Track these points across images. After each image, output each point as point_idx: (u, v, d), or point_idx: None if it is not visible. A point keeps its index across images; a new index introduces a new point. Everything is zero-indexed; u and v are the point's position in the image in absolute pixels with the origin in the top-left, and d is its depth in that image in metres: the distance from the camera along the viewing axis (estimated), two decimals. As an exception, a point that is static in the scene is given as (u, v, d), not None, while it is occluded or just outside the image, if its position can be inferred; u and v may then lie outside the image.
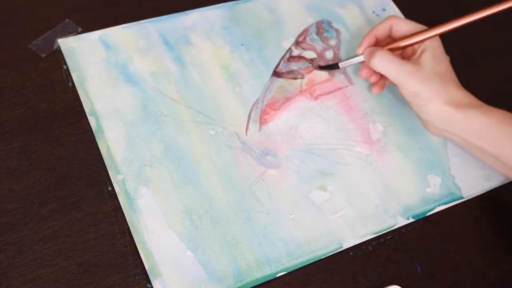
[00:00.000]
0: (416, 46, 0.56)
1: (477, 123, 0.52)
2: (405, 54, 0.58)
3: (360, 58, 0.58)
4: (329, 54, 0.62)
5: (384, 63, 0.54)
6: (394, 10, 0.67)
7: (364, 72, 0.59)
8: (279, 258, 0.49)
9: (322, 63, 0.61)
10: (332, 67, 0.60)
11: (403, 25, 0.57)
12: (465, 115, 0.52)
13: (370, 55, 0.55)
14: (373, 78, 0.59)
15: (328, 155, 0.55)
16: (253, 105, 0.57)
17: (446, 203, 0.55)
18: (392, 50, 0.56)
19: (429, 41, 0.55)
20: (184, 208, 0.50)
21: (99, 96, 0.55)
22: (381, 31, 0.58)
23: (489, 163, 0.55)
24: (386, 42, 0.58)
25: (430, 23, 0.66)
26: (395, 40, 0.57)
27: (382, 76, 0.59)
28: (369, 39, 0.58)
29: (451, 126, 0.53)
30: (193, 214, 0.50)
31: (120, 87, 0.56)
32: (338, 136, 0.57)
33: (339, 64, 0.59)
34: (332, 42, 0.63)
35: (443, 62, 0.55)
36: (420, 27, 0.57)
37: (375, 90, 0.60)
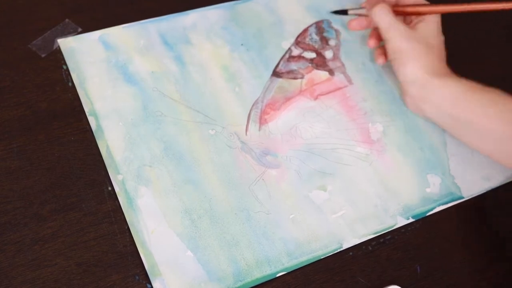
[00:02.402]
0: (415, 17, 0.58)
1: (450, 89, 0.53)
2: (404, 21, 0.59)
3: (357, 10, 0.61)
4: (329, 54, 0.62)
5: (381, 14, 0.56)
6: (394, 10, 0.67)
7: (354, 23, 0.61)
8: (279, 258, 0.49)
9: (321, 63, 0.61)
10: (342, 12, 0.62)
11: None
12: (439, 81, 0.54)
13: (372, 4, 0.58)
14: (371, 42, 0.61)
15: (328, 155, 0.55)
16: (253, 105, 0.57)
17: (446, 203, 0.55)
18: (396, 12, 0.58)
19: (430, 16, 0.57)
20: (184, 208, 0.50)
21: (99, 96, 0.55)
22: None
23: (460, 135, 0.55)
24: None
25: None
26: (401, 5, 0.59)
27: (381, 41, 0.60)
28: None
29: (424, 91, 0.55)
30: (193, 214, 0.50)
31: (120, 87, 0.56)
32: (338, 136, 0.57)
33: (348, 10, 0.61)
34: (332, 42, 0.63)
35: (435, 36, 0.57)
36: None
37: (372, 43, 0.61)
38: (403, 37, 0.55)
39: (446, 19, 0.58)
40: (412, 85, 0.56)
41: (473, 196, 0.56)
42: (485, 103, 0.52)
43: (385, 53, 0.60)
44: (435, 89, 0.54)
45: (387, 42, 0.57)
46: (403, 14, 0.59)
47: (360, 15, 0.61)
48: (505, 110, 0.51)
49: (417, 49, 0.55)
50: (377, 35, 0.61)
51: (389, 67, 0.61)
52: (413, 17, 0.58)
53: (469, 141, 0.55)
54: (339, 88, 0.60)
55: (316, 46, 0.63)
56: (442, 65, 0.56)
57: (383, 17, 0.56)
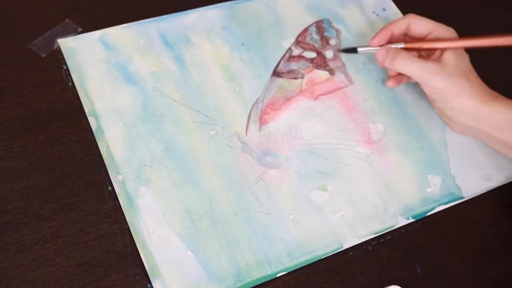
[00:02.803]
0: None
1: (503, 116, 0.52)
2: (422, 53, 0.59)
3: (368, 49, 0.59)
4: (329, 54, 0.62)
5: (407, 64, 0.55)
6: (394, 10, 0.67)
7: (391, 83, 0.60)
8: (279, 258, 0.49)
9: (321, 63, 0.61)
10: (350, 50, 0.61)
11: (421, 24, 0.57)
12: (491, 109, 0.53)
13: (391, 59, 0.56)
14: (391, 83, 0.60)
15: (328, 155, 0.55)
16: (253, 105, 0.57)
17: (447, 203, 0.55)
18: (410, 49, 0.57)
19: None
20: (184, 208, 0.50)
21: (99, 96, 0.55)
22: (399, 27, 0.58)
23: None
24: (401, 39, 0.59)
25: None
26: (411, 38, 0.58)
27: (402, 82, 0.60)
28: (385, 33, 0.58)
29: (477, 121, 0.54)
30: (193, 214, 0.50)
31: (120, 87, 0.56)
32: (338, 136, 0.57)
33: (358, 49, 0.60)
34: (333, 42, 0.63)
35: (464, 59, 0.55)
36: (439, 26, 0.57)
37: (391, 83, 0.60)
38: (438, 77, 0.54)
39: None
40: (462, 117, 0.55)
41: (474, 196, 0.56)
42: None
43: (399, 79, 0.60)
44: (487, 117, 0.53)
45: (424, 86, 0.55)
46: (418, 50, 0.58)
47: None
48: None
49: (459, 83, 0.53)
50: (399, 78, 0.60)
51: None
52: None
53: None
54: (340, 88, 0.60)
55: (317, 46, 0.63)
56: (484, 88, 0.54)
57: (409, 66, 0.55)
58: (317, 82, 0.60)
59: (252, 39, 0.61)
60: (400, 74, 0.60)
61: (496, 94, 0.54)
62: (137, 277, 0.47)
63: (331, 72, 0.61)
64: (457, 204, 0.55)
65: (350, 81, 0.61)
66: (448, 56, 0.54)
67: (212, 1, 0.63)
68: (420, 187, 0.55)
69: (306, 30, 0.64)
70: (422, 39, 0.58)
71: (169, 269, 0.47)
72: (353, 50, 0.60)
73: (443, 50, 0.55)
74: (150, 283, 0.46)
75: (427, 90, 0.55)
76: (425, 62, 0.54)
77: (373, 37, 0.59)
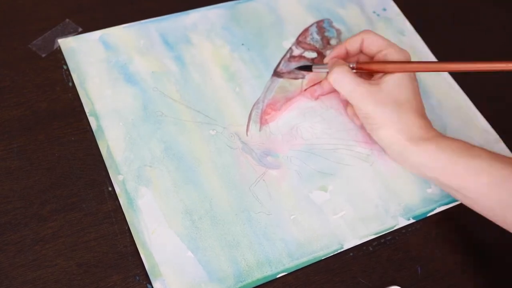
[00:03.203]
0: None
1: (433, 157, 0.49)
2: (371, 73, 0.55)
3: (320, 67, 0.57)
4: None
5: (340, 79, 0.52)
6: (394, 10, 0.67)
7: (325, 84, 0.57)
8: (280, 258, 0.49)
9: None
10: (306, 68, 0.59)
11: (374, 41, 0.54)
12: (418, 148, 0.50)
13: (330, 69, 0.53)
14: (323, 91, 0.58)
15: (328, 155, 0.55)
16: (254, 105, 0.57)
17: (447, 203, 0.55)
18: (361, 69, 0.54)
19: (395, 59, 0.52)
20: (185, 208, 0.50)
21: (99, 96, 0.55)
22: (352, 44, 0.55)
23: (449, 193, 0.52)
24: (356, 59, 0.56)
25: (430, 23, 0.66)
26: (366, 56, 0.56)
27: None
28: (339, 50, 0.56)
29: (404, 157, 0.51)
30: (194, 215, 0.50)
31: (120, 87, 0.56)
32: (338, 136, 0.57)
33: (313, 67, 0.58)
34: (333, 42, 0.63)
35: (407, 88, 0.51)
36: (391, 46, 0.53)
37: (325, 86, 0.57)
38: (369, 101, 0.50)
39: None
40: (389, 149, 0.53)
41: (474, 196, 0.56)
42: (471, 172, 0.48)
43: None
44: (413, 156, 0.50)
45: (354, 107, 0.53)
46: (368, 71, 0.54)
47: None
48: (495, 179, 0.47)
49: (387, 113, 0.50)
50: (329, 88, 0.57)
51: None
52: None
53: (464, 202, 0.51)
54: (340, 88, 0.60)
55: (317, 46, 0.63)
56: (418, 124, 0.51)
57: (341, 83, 0.51)
58: (318, 82, 0.60)
59: (252, 39, 0.61)
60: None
61: (431, 132, 0.51)
62: (137, 278, 0.47)
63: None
64: (458, 205, 0.55)
65: (351, 81, 0.61)
66: (386, 81, 0.51)
67: (212, 1, 0.63)
68: (421, 188, 0.55)
69: (306, 30, 0.64)
70: (372, 57, 0.55)
71: (169, 269, 0.47)
72: (308, 68, 0.59)
73: (389, 73, 0.52)
74: (150, 283, 0.46)
75: (356, 111, 0.53)
76: (358, 83, 0.51)
77: (327, 56, 0.57)
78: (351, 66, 0.54)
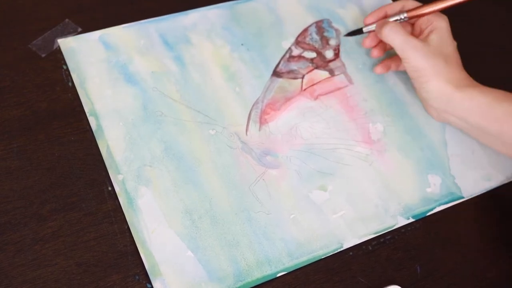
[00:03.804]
0: (424, 26, 0.58)
1: (476, 101, 0.52)
2: (414, 33, 0.59)
3: (372, 27, 0.60)
4: (329, 54, 0.62)
5: (393, 34, 0.56)
6: (394, 10, 0.67)
7: (368, 41, 0.61)
8: (280, 258, 0.49)
9: (321, 63, 0.61)
10: (356, 32, 0.62)
11: (414, 4, 0.59)
12: (464, 94, 0.53)
13: (381, 26, 0.57)
14: (375, 52, 0.61)
15: (328, 155, 0.55)
16: (253, 105, 0.57)
17: (446, 203, 0.55)
18: (413, 17, 0.58)
19: (438, 23, 0.57)
20: (185, 208, 0.50)
21: (99, 96, 0.55)
22: (393, 9, 0.60)
23: (489, 143, 0.55)
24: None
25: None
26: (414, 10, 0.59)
27: (386, 51, 0.61)
28: (379, 13, 0.60)
29: (450, 105, 0.54)
30: (194, 214, 0.50)
31: (120, 87, 0.56)
32: (338, 136, 0.57)
33: (364, 28, 0.61)
34: (332, 42, 0.63)
35: (449, 44, 0.56)
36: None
37: (379, 69, 0.61)
38: (420, 55, 0.54)
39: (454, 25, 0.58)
40: (437, 100, 0.55)
41: (474, 196, 0.56)
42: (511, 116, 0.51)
43: (387, 65, 0.61)
44: (460, 102, 0.53)
45: (404, 61, 0.56)
46: (420, 17, 0.58)
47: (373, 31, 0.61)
48: None
49: (437, 65, 0.54)
50: (383, 46, 0.61)
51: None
52: (423, 26, 0.58)
53: (499, 149, 0.54)
54: (340, 88, 0.60)
55: (317, 46, 0.63)
56: (462, 75, 0.55)
57: (394, 36, 0.56)
58: (317, 82, 0.60)
59: (252, 39, 0.62)
60: (390, 59, 0.61)
61: (474, 82, 0.55)
62: (137, 277, 0.47)
63: (331, 72, 0.61)
64: (457, 204, 0.55)
65: (350, 81, 0.61)
66: (432, 37, 0.56)
67: (212, 1, 0.63)
68: (420, 187, 0.55)
69: (306, 30, 0.64)
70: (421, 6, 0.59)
71: (169, 268, 0.47)
72: (358, 32, 0.61)
73: (430, 24, 0.57)
74: (149, 283, 0.46)
75: (406, 65, 0.56)
76: (410, 37, 0.55)
77: (367, 16, 0.61)
78: (401, 17, 0.58)
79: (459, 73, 0.55)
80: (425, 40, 0.56)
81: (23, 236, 0.47)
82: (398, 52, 0.56)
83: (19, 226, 0.47)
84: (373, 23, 0.60)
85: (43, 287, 0.45)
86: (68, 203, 0.49)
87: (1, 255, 0.46)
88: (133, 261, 0.47)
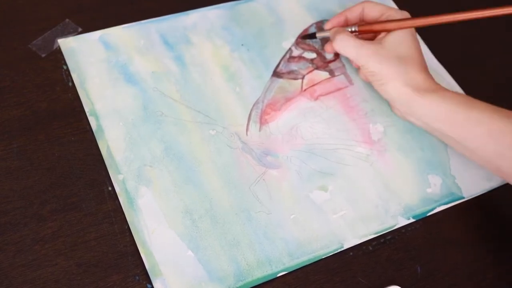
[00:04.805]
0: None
1: (436, 107, 0.52)
2: (371, 35, 0.59)
3: (325, 34, 0.60)
4: (329, 55, 0.62)
5: (344, 45, 0.55)
6: (394, 10, 0.67)
7: (329, 48, 0.60)
8: (280, 257, 0.49)
9: (321, 64, 0.61)
10: (310, 36, 0.61)
11: (374, 8, 0.58)
12: (423, 99, 0.52)
13: (333, 36, 0.56)
14: (329, 48, 0.60)
15: (328, 155, 0.55)
16: (254, 105, 0.57)
17: (447, 203, 0.55)
18: (363, 32, 0.57)
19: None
20: (185, 207, 0.50)
21: (99, 96, 0.55)
22: (353, 12, 0.59)
23: (454, 146, 0.55)
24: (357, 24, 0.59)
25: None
26: (366, 23, 0.58)
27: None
28: (338, 18, 0.59)
29: (411, 108, 0.54)
30: (194, 214, 0.50)
31: (120, 87, 0.56)
32: (338, 136, 0.57)
33: (316, 34, 0.61)
34: (333, 42, 0.63)
35: (409, 45, 0.55)
36: (390, 9, 0.57)
37: (329, 49, 0.60)
38: (373, 60, 0.54)
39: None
40: (396, 102, 0.55)
41: (474, 196, 0.56)
42: (472, 123, 0.51)
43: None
44: (419, 106, 0.53)
45: (361, 68, 0.56)
46: (370, 32, 0.57)
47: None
48: (493, 129, 0.50)
49: (392, 68, 0.53)
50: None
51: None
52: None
53: (463, 154, 0.55)
54: (340, 89, 0.60)
55: (316, 47, 0.63)
56: (423, 77, 0.53)
57: (345, 47, 0.55)
58: (317, 83, 0.60)
59: (252, 40, 0.62)
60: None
61: (436, 85, 0.54)
62: (137, 277, 0.47)
63: (331, 72, 0.61)
64: (458, 204, 0.55)
65: (350, 82, 0.61)
66: (388, 39, 0.54)
67: (212, 2, 0.63)
68: (421, 187, 0.55)
69: (306, 31, 0.64)
70: (374, 22, 0.58)
71: (169, 268, 0.47)
72: (312, 36, 0.61)
73: (390, 31, 0.55)
74: (150, 283, 0.46)
75: (363, 71, 0.56)
76: (361, 45, 0.54)
77: (327, 22, 0.60)
78: (352, 29, 0.57)
79: (420, 76, 0.53)
80: (380, 43, 0.55)
81: (23, 236, 0.47)
82: (354, 61, 0.56)
83: (19, 226, 0.47)
84: (331, 28, 0.59)
85: (43, 287, 0.45)
86: (68, 203, 0.49)
87: (1, 255, 0.46)
88: (133, 261, 0.47)
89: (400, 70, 0.53)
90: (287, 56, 0.61)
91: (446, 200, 0.55)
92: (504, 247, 0.54)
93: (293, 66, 0.61)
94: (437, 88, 0.53)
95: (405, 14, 0.56)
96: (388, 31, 0.55)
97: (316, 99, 0.59)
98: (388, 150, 0.57)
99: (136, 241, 0.48)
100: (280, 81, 0.59)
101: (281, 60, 0.61)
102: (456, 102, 0.52)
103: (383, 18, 0.57)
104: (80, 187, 0.50)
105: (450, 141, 0.54)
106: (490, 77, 0.65)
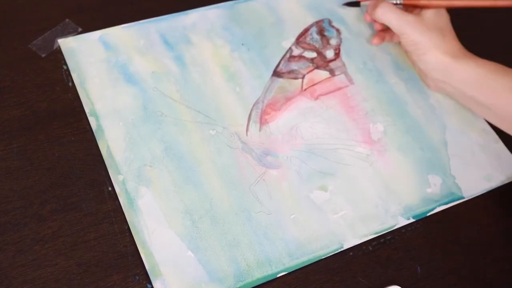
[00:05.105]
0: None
1: (472, 72, 0.55)
2: (407, 8, 0.61)
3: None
4: (329, 54, 0.62)
5: (387, 14, 0.57)
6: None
7: (368, 17, 0.62)
8: (280, 258, 0.49)
9: (322, 63, 0.61)
10: (353, 4, 0.63)
11: None
12: (460, 65, 0.55)
13: (373, 7, 0.59)
14: (375, 40, 0.63)
15: (328, 155, 0.55)
16: (254, 105, 0.57)
17: (447, 203, 0.55)
18: (408, 5, 0.59)
19: None
20: (185, 208, 0.50)
21: (99, 96, 0.55)
22: None
23: (482, 114, 0.57)
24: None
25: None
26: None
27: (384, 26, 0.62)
28: None
29: (447, 76, 0.56)
30: (194, 214, 0.50)
31: (120, 87, 0.56)
32: (338, 136, 0.57)
33: (360, 2, 0.63)
34: (333, 42, 0.63)
35: (443, 17, 0.58)
36: None
37: (375, 41, 0.63)
38: (416, 30, 0.56)
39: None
40: (434, 71, 0.57)
41: (474, 196, 0.56)
42: (506, 88, 0.53)
43: (382, 36, 0.62)
44: (456, 72, 0.55)
45: (401, 37, 0.58)
46: (416, 7, 0.59)
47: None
48: None
49: (433, 38, 0.56)
50: (382, 35, 0.62)
51: (389, 65, 0.61)
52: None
53: (490, 120, 0.57)
54: (340, 88, 0.60)
55: (317, 46, 0.63)
56: (458, 46, 0.57)
57: (388, 16, 0.57)
58: (318, 82, 0.60)
59: (252, 39, 0.61)
60: (383, 30, 0.62)
61: (469, 53, 0.57)
62: (137, 277, 0.47)
63: (332, 72, 0.61)
64: (458, 204, 0.55)
65: (351, 81, 0.61)
66: (427, 12, 0.57)
67: (212, 1, 0.63)
68: (421, 187, 0.55)
69: (306, 30, 0.64)
70: None
71: (169, 269, 0.47)
72: (355, 4, 0.63)
73: (435, 8, 0.58)
74: (150, 283, 0.46)
75: (403, 41, 0.58)
76: (404, 14, 0.57)
77: None
78: (398, 2, 0.60)
79: (455, 44, 0.57)
80: (419, 15, 0.58)
81: (23, 236, 0.47)
82: (395, 30, 0.58)
83: (19, 226, 0.47)
84: None
85: (43, 287, 0.45)
86: (68, 203, 0.49)
87: (1, 255, 0.46)
88: (133, 261, 0.47)
89: (439, 40, 0.56)
90: (287, 55, 0.61)
91: (446, 200, 0.55)
92: (504, 247, 0.54)
93: (293, 65, 0.61)
94: (472, 55, 0.56)
95: None
96: (433, 7, 0.58)
97: (316, 98, 0.59)
98: (388, 150, 0.57)
99: (136, 241, 0.48)
100: (280, 81, 0.59)
101: (281, 60, 0.61)
102: (491, 69, 0.54)
103: None
104: (80, 187, 0.50)
105: (483, 110, 0.56)
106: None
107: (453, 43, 0.57)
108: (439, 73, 0.57)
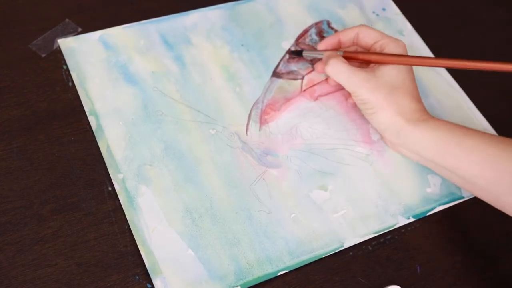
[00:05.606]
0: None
1: (428, 136, 0.51)
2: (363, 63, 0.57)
3: (322, 54, 0.58)
4: (329, 54, 0.62)
5: (336, 71, 0.53)
6: (394, 10, 0.67)
7: (319, 68, 0.58)
8: (280, 256, 0.49)
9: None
10: (298, 53, 0.60)
11: (369, 33, 0.56)
12: (415, 128, 0.51)
13: (326, 60, 0.55)
14: (319, 67, 0.59)
15: (328, 155, 0.55)
16: (253, 105, 0.57)
17: (447, 203, 0.55)
18: (347, 58, 0.55)
19: (391, 50, 0.54)
20: (185, 206, 0.50)
21: (99, 96, 0.55)
22: (347, 36, 0.57)
23: (448, 177, 0.53)
24: (351, 48, 0.58)
25: (430, 23, 0.66)
26: (361, 47, 0.57)
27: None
28: (332, 40, 0.58)
29: (401, 138, 0.53)
30: (194, 213, 0.50)
31: (120, 87, 0.56)
32: (338, 136, 0.57)
33: (303, 53, 0.59)
34: (332, 42, 0.63)
35: (402, 73, 0.53)
36: (386, 37, 0.55)
37: (319, 68, 0.58)
38: (364, 89, 0.52)
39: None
40: (387, 132, 0.53)
41: (474, 196, 0.56)
42: (467, 150, 0.49)
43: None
44: (410, 136, 0.52)
45: (352, 95, 0.54)
46: (354, 60, 0.55)
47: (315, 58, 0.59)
48: (489, 155, 0.48)
49: (383, 97, 0.51)
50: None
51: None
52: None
53: (458, 184, 0.53)
54: (339, 89, 0.60)
55: (316, 47, 0.63)
56: (414, 107, 0.52)
57: (338, 74, 0.53)
58: (317, 83, 0.60)
59: (252, 40, 0.62)
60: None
61: (426, 114, 0.53)
62: (137, 277, 0.47)
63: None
64: (457, 204, 0.55)
65: (350, 81, 0.61)
66: (381, 68, 0.53)
67: (212, 2, 0.63)
68: (420, 187, 0.55)
69: (305, 31, 0.64)
70: (368, 49, 0.56)
71: (169, 267, 0.47)
72: (299, 53, 0.60)
73: (373, 63, 0.54)
74: (150, 283, 0.46)
75: (354, 98, 0.54)
76: (354, 72, 0.52)
77: (320, 43, 0.59)
78: (339, 54, 0.55)
79: (411, 105, 0.52)
80: (372, 71, 0.53)
81: (23, 236, 0.47)
82: (345, 87, 0.54)
83: (19, 226, 0.47)
84: (323, 50, 0.58)
85: (43, 287, 0.45)
86: (68, 203, 0.49)
87: (1, 255, 0.46)
88: (133, 261, 0.47)
89: (392, 99, 0.52)
90: (287, 56, 0.61)
91: (446, 200, 0.55)
92: (504, 247, 0.54)
93: (293, 66, 0.61)
94: (428, 118, 0.52)
95: (401, 44, 0.54)
96: (372, 62, 0.54)
97: (316, 99, 0.59)
98: (387, 150, 0.57)
99: (136, 240, 0.48)
100: (280, 81, 0.59)
101: (280, 60, 0.61)
102: (447, 131, 0.51)
103: (377, 45, 0.55)
104: (80, 187, 0.50)
105: (444, 172, 0.52)
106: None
107: (407, 102, 0.52)
108: (393, 135, 0.53)
